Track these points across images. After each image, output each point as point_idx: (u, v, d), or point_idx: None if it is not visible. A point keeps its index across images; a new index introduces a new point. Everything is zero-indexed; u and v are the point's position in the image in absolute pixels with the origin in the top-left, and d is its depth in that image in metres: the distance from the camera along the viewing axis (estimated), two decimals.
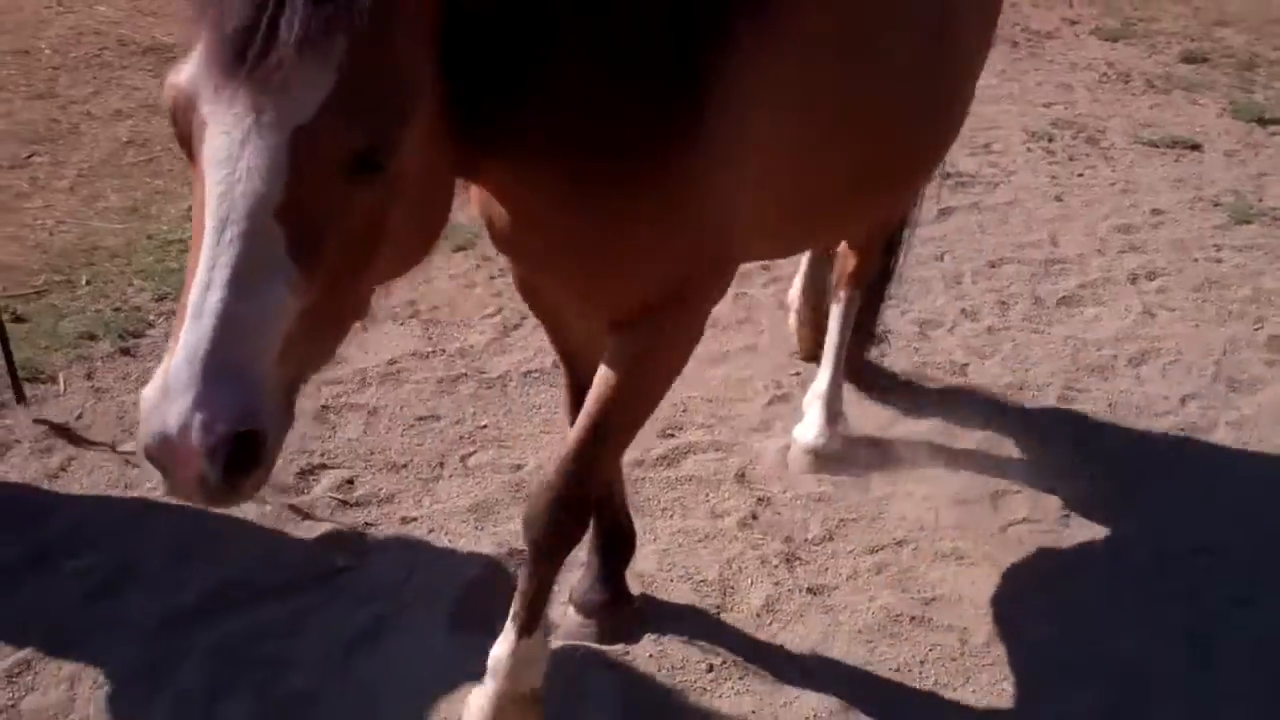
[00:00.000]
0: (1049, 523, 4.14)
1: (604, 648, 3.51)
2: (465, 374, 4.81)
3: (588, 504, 3.04)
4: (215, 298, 1.88)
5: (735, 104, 2.61)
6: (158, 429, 1.87)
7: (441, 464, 4.29)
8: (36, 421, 4.39)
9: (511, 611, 3.12)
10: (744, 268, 4.62)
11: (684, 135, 2.54)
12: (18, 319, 5.01)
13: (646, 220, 2.63)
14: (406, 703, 3.32)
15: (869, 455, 4.40)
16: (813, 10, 2.82)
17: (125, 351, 4.87)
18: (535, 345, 5.01)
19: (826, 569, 3.88)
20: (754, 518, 4.05)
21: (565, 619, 3.60)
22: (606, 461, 3.05)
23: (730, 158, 2.66)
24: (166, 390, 1.87)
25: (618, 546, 3.64)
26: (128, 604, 3.61)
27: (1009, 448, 4.50)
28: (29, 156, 6.69)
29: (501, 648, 3.14)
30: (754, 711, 3.34)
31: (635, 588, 3.71)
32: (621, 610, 3.60)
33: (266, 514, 3.97)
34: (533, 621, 3.11)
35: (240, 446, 1.87)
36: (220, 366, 1.87)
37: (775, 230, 3.11)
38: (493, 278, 5.54)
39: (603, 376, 2.89)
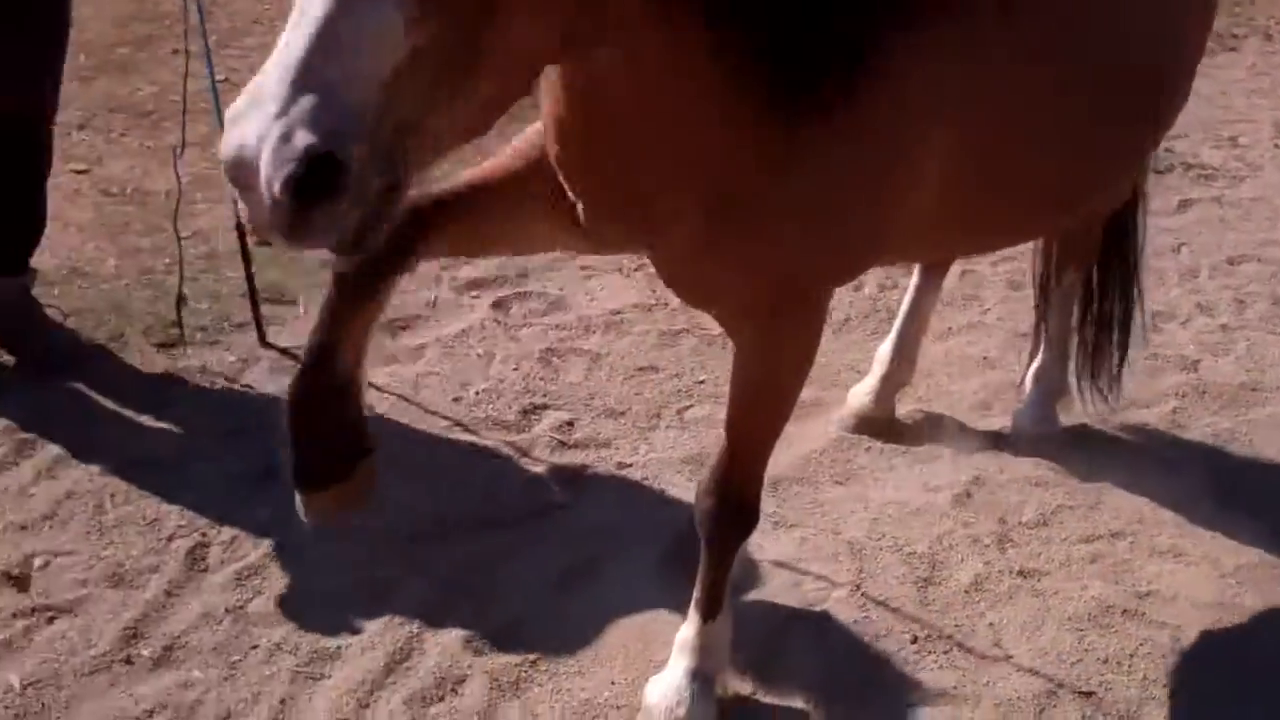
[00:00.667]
0: (1277, 531, 4.01)
1: (807, 609, 3.53)
2: (686, 329, 4.86)
3: (752, 501, 3.07)
4: (316, 9, 1.69)
5: (895, 99, 2.53)
6: (236, 141, 1.70)
7: (658, 414, 4.36)
8: (267, 344, 4.59)
9: (694, 597, 3.15)
10: None
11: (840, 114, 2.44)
12: (265, 242, 5.20)
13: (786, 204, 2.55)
14: (612, 644, 3.39)
15: (1090, 443, 4.33)
16: (989, 15, 2.71)
17: None
18: None
19: (1039, 554, 3.83)
20: (968, 495, 4.03)
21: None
22: (759, 458, 3.05)
23: (884, 153, 2.61)
24: (252, 101, 1.69)
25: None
26: (353, 520, 3.76)
27: (1237, 449, 4.37)
28: None
29: (687, 631, 3.17)
30: (955, 687, 3.33)
31: (844, 554, 3.73)
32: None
33: (489, 449, 4.09)
34: (715, 606, 3.14)
35: (318, 167, 1.65)
36: (313, 79, 1.67)
37: (945, 233, 3.04)
38: None
39: (734, 379, 2.92)
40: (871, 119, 2.51)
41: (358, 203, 1.73)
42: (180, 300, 4.59)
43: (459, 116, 1.89)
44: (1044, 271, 4.26)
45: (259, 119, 1.67)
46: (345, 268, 2.44)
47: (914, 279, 4.35)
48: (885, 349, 4.36)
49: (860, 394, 4.37)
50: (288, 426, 2.82)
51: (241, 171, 1.70)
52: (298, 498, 2.89)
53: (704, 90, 2.33)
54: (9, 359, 4.38)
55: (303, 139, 1.65)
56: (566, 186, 2.60)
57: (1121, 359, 4.28)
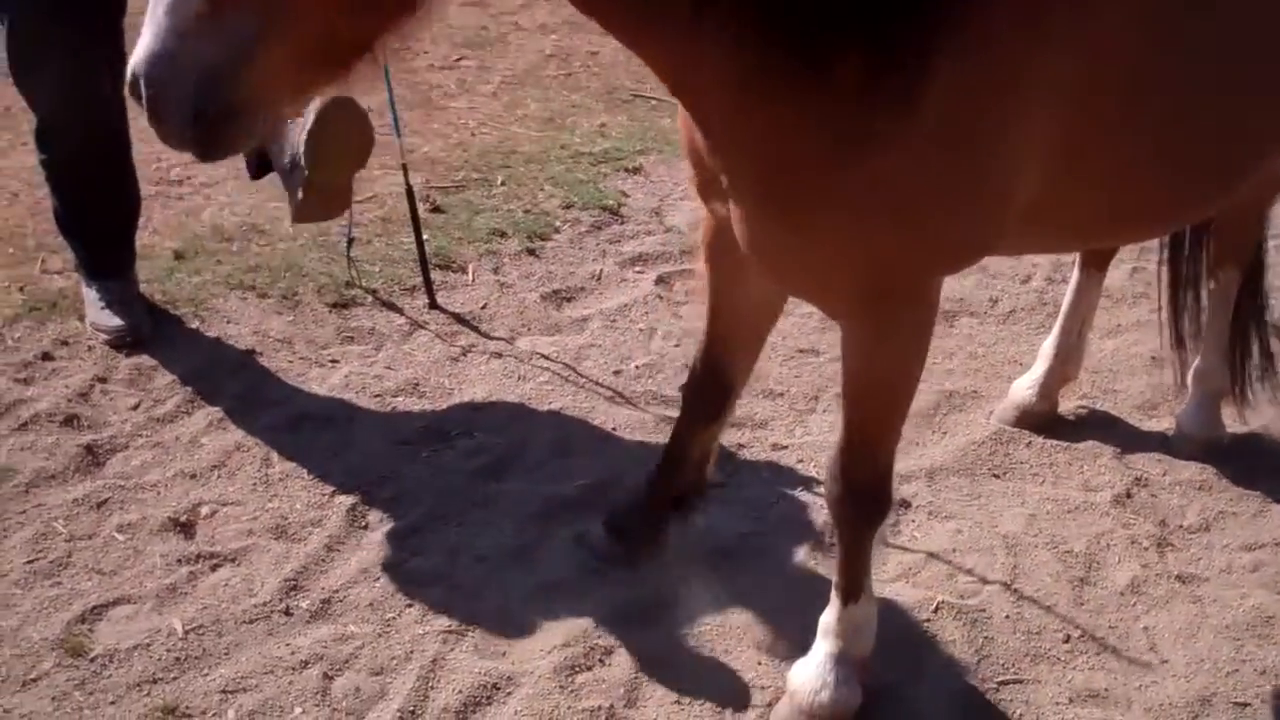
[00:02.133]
0: None
1: (959, 601, 3.50)
2: None
3: (878, 487, 3.03)
4: None
5: (979, 80, 2.46)
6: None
7: (817, 398, 4.35)
8: (435, 308, 4.68)
9: (834, 581, 3.13)
10: (1149, 244, 4.48)
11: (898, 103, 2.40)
12: (437, 209, 5.33)
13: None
14: (760, 623, 3.40)
15: (1256, 447, 4.21)
16: None
17: (531, 252, 5.11)
18: None
19: (1199, 559, 3.74)
20: (1129, 496, 3.95)
21: (591, 530, 3.62)
22: (878, 448, 3.00)
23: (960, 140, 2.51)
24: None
25: (678, 495, 3.60)
26: (510, 488, 3.83)
27: None
28: (458, 59, 7.05)
29: (829, 615, 3.15)
30: (1107, 689, 3.27)
31: (999, 548, 3.69)
32: (634, 549, 3.56)
33: (646, 421, 4.12)
34: (854, 590, 3.11)
35: (148, 97, 2.12)
36: (152, 29, 2.10)
37: (1065, 219, 2.90)
38: None
39: (843, 370, 2.88)
40: (951, 104, 2.44)
41: (181, 123, 2.16)
42: (350, 260, 4.71)
43: (278, 58, 2.17)
44: (1192, 271, 4.15)
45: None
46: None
47: (1074, 273, 4.27)
48: (1049, 344, 4.30)
49: (1022, 388, 4.30)
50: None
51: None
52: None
53: (766, 79, 2.40)
54: (190, 313, 4.54)
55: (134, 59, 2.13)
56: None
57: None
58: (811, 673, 3.12)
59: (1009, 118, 2.54)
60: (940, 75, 2.40)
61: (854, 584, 3.11)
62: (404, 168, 4.70)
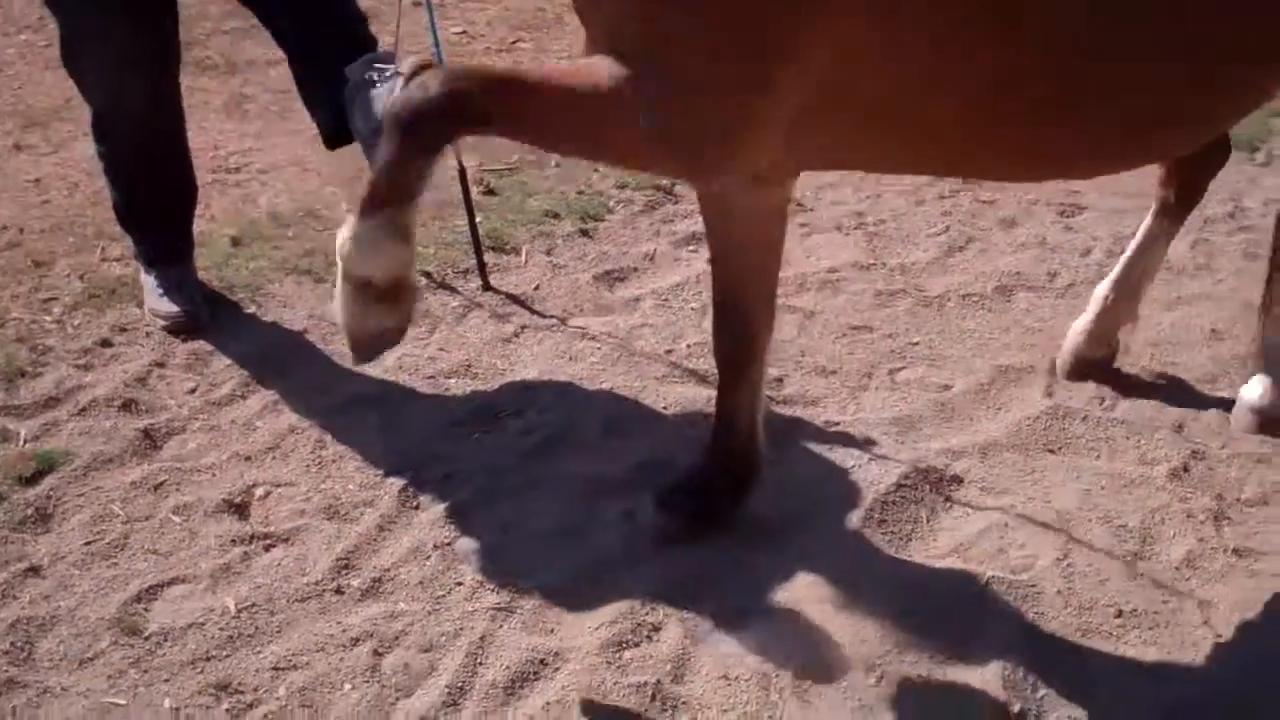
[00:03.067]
0: None
1: (1010, 576, 3.47)
2: (903, 290, 4.81)
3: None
4: None
5: None
6: None
7: (870, 375, 4.32)
8: (489, 289, 4.69)
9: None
10: (1208, 213, 4.41)
11: None
12: (490, 192, 5.36)
13: None
14: (807, 601, 3.39)
15: None
16: None
17: (584, 233, 5.13)
18: (977, 269, 4.96)
19: (1257, 533, 3.68)
20: (1186, 470, 3.89)
21: (641, 507, 3.62)
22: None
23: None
24: None
25: (732, 474, 3.59)
26: (561, 467, 3.84)
27: None
28: (514, 42, 7.07)
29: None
30: (1160, 663, 3.24)
31: (1053, 523, 3.65)
32: (687, 527, 3.55)
33: (697, 400, 4.11)
34: (375, 204, 2.72)
35: None
36: None
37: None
38: (942, 197, 5.50)
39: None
40: None
41: None
42: None
43: None
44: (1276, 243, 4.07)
45: None
46: None
47: (1148, 217, 4.20)
48: (1103, 286, 4.26)
49: (1075, 332, 4.29)
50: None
51: None
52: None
53: None
54: (246, 298, 4.59)
55: None
56: None
57: None
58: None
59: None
60: None
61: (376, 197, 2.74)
62: (456, 151, 4.71)
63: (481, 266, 4.74)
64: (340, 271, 2.82)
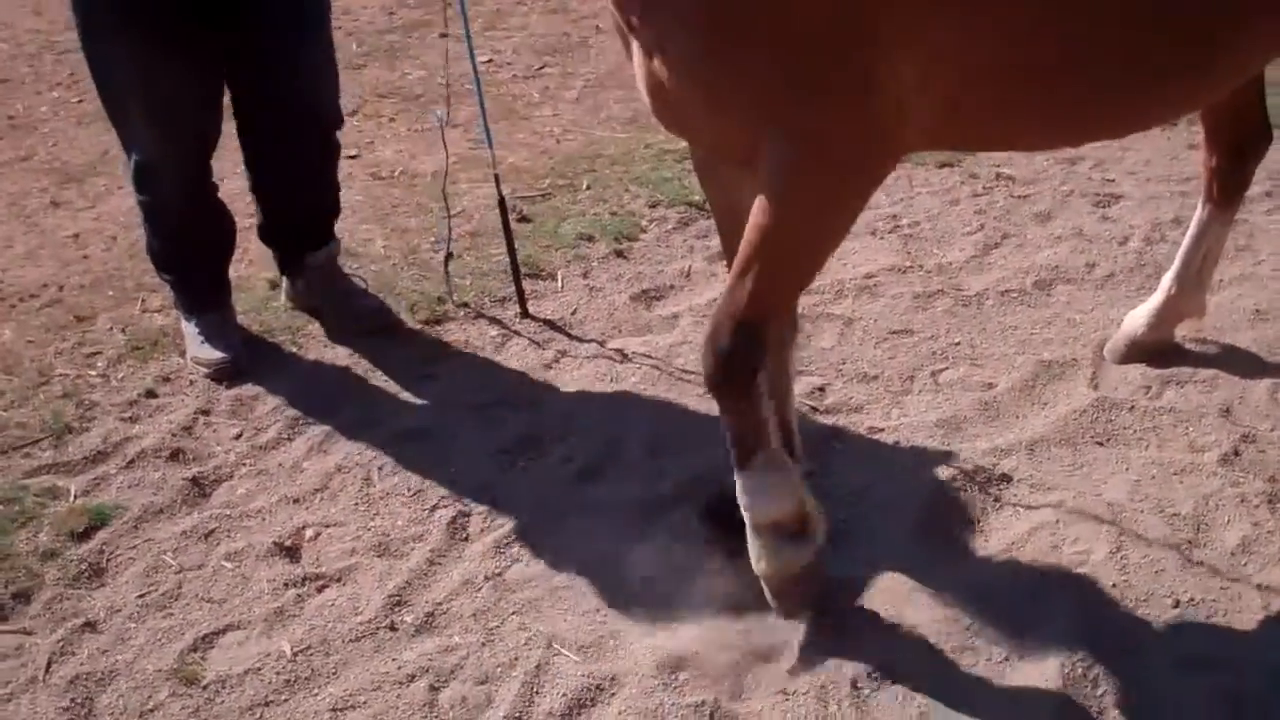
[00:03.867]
0: None
1: (1066, 572, 3.44)
2: (942, 290, 4.79)
3: (749, 333, 2.92)
4: None
5: None
6: None
7: (912, 378, 4.30)
8: (527, 316, 4.71)
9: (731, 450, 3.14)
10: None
11: None
12: (524, 219, 5.37)
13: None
14: (861, 610, 3.37)
15: None
16: None
17: (619, 254, 5.14)
18: (1015, 265, 4.93)
19: None
20: (1236, 454, 3.85)
21: (689, 523, 3.63)
22: (759, 305, 2.90)
23: None
24: None
25: None
26: (607, 490, 3.84)
27: None
28: (540, 68, 7.10)
29: (738, 492, 3.18)
30: (1221, 654, 3.19)
31: (1105, 516, 3.62)
32: (734, 538, 3.40)
33: None
34: (744, 455, 3.11)
35: None
36: None
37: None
38: (976, 195, 5.49)
39: (749, 223, 2.85)
40: None
41: None
42: (448, 275, 4.77)
43: None
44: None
45: None
46: None
47: (1198, 209, 4.18)
48: (1168, 276, 4.24)
49: (1137, 316, 4.28)
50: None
51: None
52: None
53: None
54: (287, 340, 4.62)
55: None
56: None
57: None
58: (751, 553, 3.22)
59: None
60: None
61: (744, 450, 3.12)
62: (496, 178, 4.72)
63: (520, 295, 4.75)
64: (750, 528, 3.19)
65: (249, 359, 4.47)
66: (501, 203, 4.71)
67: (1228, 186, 4.10)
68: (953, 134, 3.00)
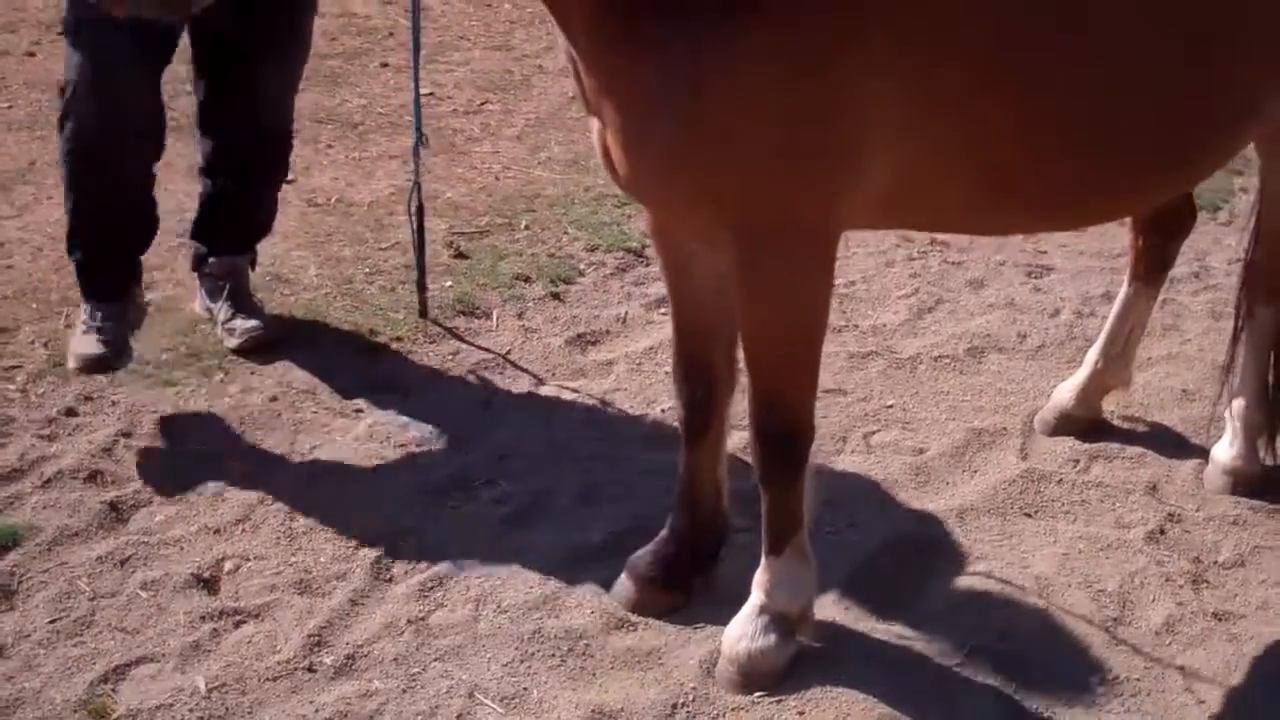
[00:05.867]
0: None
1: (993, 645, 3.44)
2: (876, 351, 4.80)
3: (792, 436, 3.18)
4: None
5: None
6: None
7: (845, 438, 4.31)
8: (425, 316, 4.73)
9: (763, 534, 3.28)
10: (1173, 273, 4.43)
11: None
12: (460, 255, 5.33)
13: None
14: (790, 675, 3.33)
15: None
16: None
17: (555, 296, 5.11)
18: (948, 331, 4.96)
19: (1235, 595, 3.67)
20: (1162, 532, 3.89)
21: (616, 579, 3.59)
22: (782, 395, 3.15)
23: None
24: None
25: (698, 538, 3.59)
26: (537, 536, 3.79)
27: None
28: (482, 104, 7.07)
29: (759, 570, 3.30)
30: None
31: (1031, 589, 3.63)
32: (659, 598, 3.52)
33: (673, 465, 4.07)
34: (778, 543, 3.26)
35: None
36: None
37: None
38: (911, 258, 5.52)
39: (737, 315, 3.06)
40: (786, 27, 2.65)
41: None
42: (422, 290, 4.85)
43: None
44: (1240, 303, 4.10)
45: None
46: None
47: (1124, 285, 4.27)
48: (1094, 350, 4.30)
49: (1064, 390, 4.32)
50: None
51: None
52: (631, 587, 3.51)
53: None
54: (214, 365, 4.53)
55: None
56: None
57: None
58: (737, 626, 3.28)
59: (837, 85, 2.73)
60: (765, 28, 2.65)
61: (776, 538, 3.25)
62: (416, 177, 4.71)
63: (422, 291, 4.84)
64: (755, 610, 3.27)
65: (127, 361, 4.28)
66: (413, 201, 4.69)
67: (1153, 264, 4.19)
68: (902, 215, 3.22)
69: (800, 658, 3.35)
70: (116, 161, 4.19)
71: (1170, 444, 4.33)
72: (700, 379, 3.40)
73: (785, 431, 3.17)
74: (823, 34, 2.69)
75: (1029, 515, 3.97)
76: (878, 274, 5.39)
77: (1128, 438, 4.35)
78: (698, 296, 3.32)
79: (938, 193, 3.02)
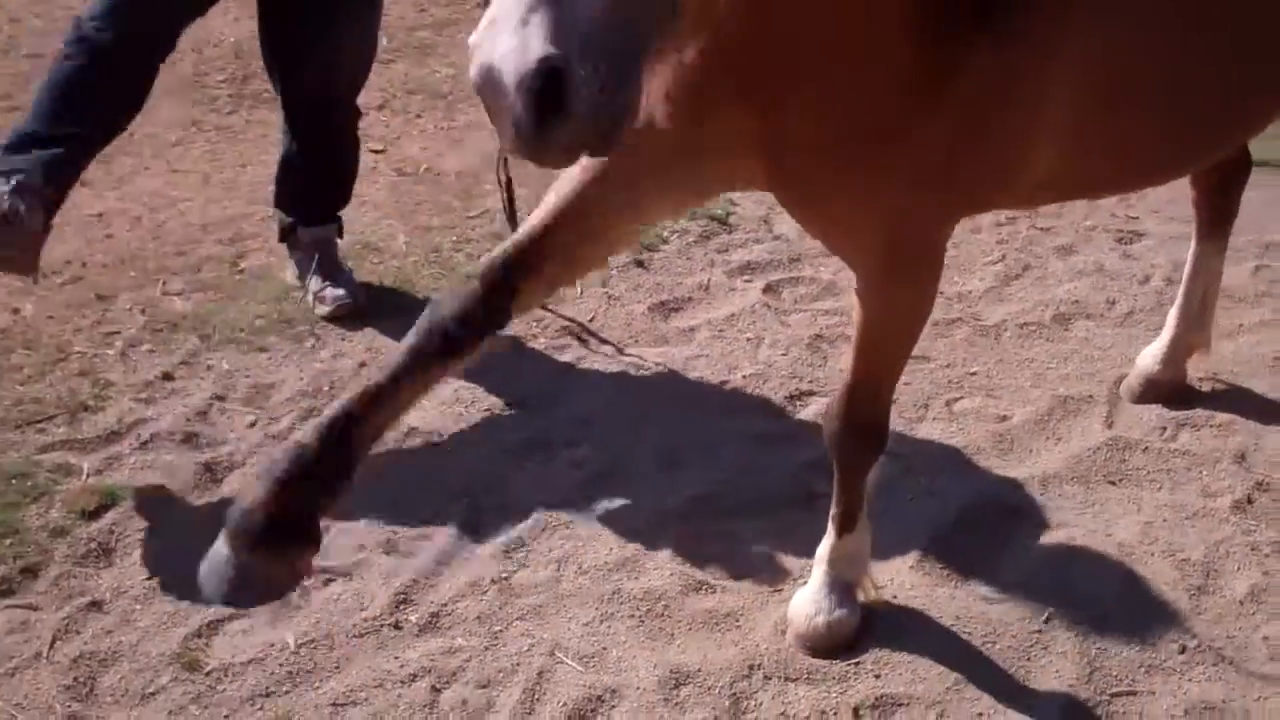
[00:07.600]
0: None
1: (1075, 612, 3.43)
2: (961, 319, 4.79)
3: (877, 424, 3.21)
4: None
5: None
6: (482, 61, 1.77)
7: (927, 405, 4.30)
8: (546, 308, 4.70)
9: (831, 513, 3.31)
10: (1268, 239, 4.38)
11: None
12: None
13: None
14: (871, 639, 3.37)
15: None
16: None
17: (639, 263, 5.13)
18: (1034, 298, 4.93)
19: None
20: (1249, 501, 3.85)
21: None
22: (881, 388, 3.18)
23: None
24: (492, 22, 1.76)
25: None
26: (617, 499, 3.84)
27: None
28: None
29: (825, 545, 3.37)
30: (1224, 700, 3.19)
31: (1114, 557, 3.62)
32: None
33: (754, 434, 4.11)
34: (849, 521, 3.31)
35: (553, 78, 1.72)
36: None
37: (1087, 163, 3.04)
38: (999, 224, 5.47)
39: (859, 316, 3.03)
40: (978, 93, 2.61)
41: (589, 113, 1.77)
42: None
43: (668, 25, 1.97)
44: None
45: (499, 37, 1.74)
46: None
47: (1192, 243, 4.25)
48: (1173, 312, 4.27)
49: (1148, 355, 4.30)
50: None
51: (489, 89, 1.77)
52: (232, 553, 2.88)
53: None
54: (305, 331, 4.62)
55: (537, 49, 1.72)
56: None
57: None
58: (808, 600, 3.34)
59: (1029, 105, 2.71)
60: (971, 67, 2.57)
61: (849, 516, 3.31)
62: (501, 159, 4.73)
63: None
64: (826, 583, 3.33)
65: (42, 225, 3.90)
66: (507, 168, 4.69)
67: (1215, 218, 4.19)
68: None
69: (877, 621, 3.37)
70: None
71: (1260, 411, 4.27)
72: (509, 269, 2.90)
73: (877, 421, 3.20)
74: (1037, 47, 2.67)
75: (1113, 483, 3.94)
76: (964, 240, 5.35)
77: (1216, 405, 4.30)
78: (581, 203, 3.03)
79: (1072, 175, 3.04)
